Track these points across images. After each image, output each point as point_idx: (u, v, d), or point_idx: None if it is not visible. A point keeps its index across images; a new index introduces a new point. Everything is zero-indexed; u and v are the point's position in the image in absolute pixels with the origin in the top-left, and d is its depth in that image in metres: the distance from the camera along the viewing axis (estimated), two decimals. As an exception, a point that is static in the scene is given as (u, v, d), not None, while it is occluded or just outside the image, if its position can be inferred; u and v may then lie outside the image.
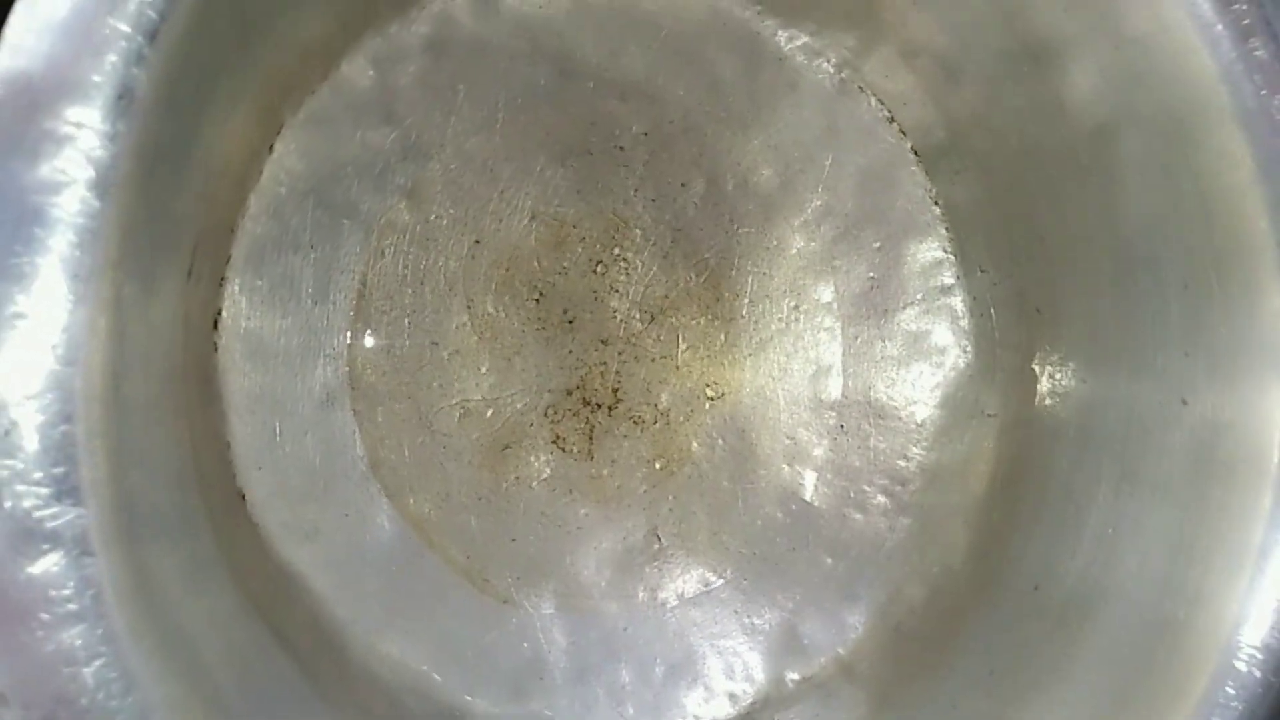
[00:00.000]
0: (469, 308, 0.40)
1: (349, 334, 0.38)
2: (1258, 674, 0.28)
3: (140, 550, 0.22)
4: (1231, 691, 0.28)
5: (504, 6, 0.39)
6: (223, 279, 0.35)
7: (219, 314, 0.35)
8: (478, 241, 0.40)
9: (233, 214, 0.35)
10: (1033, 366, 0.39)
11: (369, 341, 0.39)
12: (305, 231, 0.37)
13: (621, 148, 0.41)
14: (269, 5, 0.30)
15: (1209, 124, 0.29)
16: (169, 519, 0.26)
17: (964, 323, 0.41)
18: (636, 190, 0.41)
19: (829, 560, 0.41)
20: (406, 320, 0.39)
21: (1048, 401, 0.38)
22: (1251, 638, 0.28)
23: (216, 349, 0.35)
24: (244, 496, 0.35)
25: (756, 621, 0.40)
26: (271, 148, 0.35)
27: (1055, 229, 0.37)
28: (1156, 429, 0.33)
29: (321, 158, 0.37)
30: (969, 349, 0.41)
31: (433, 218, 0.40)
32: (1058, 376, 0.38)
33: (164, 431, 0.27)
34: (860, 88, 0.41)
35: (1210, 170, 0.30)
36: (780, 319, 0.42)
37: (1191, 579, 0.30)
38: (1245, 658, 0.28)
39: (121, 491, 0.21)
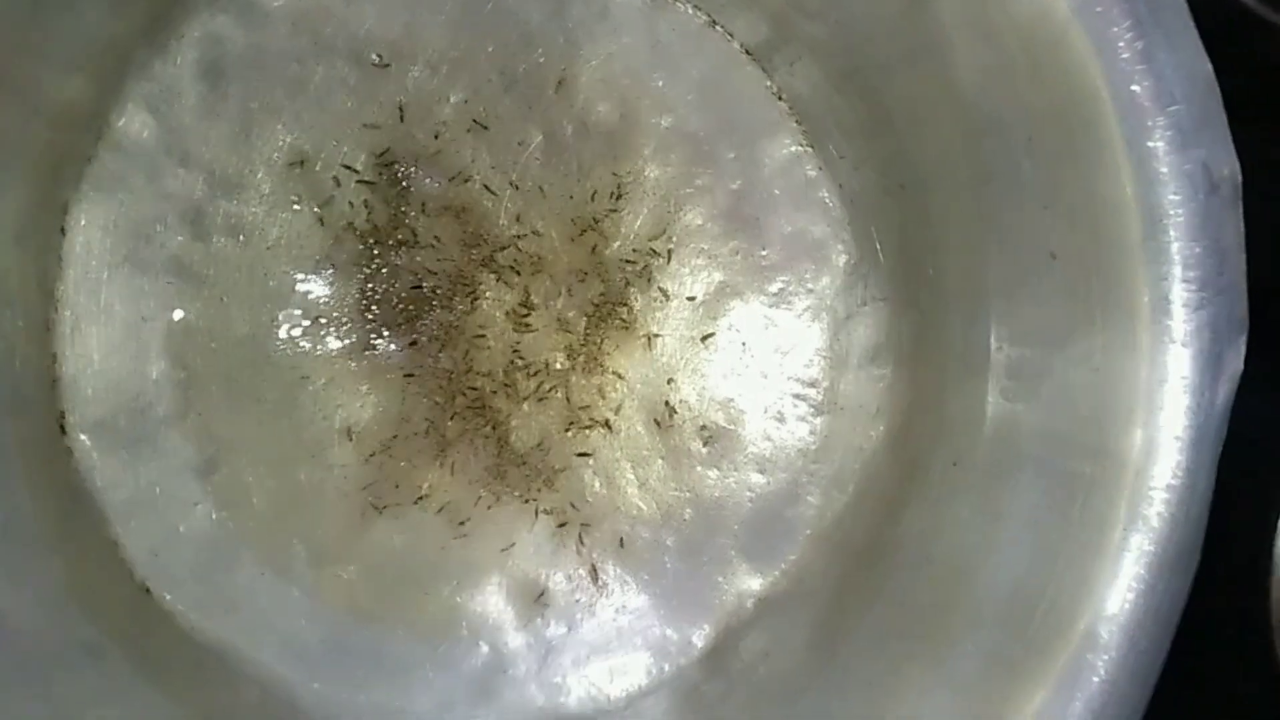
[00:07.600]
0: (337, 335, 0.38)
1: (210, 397, 0.36)
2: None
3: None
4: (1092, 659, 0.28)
5: (271, 7, 0.36)
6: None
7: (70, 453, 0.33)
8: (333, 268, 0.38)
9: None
10: (907, 240, 0.38)
11: (237, 405, 0.37)
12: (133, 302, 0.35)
13: (445, 122, 0.39)
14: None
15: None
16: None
17: (836, 213, 0.40)
18: (473, 160, 0.39)
19: (760, 477, 0.41)
20: (269, 365, 0.38)
21: (930, 272, 0.38)
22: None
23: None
24: (149, 590, 0.34)
25: (704, 558, 0.40)
26: (63, 230, 0.33)
27: (900, 103, 0.36)
28: (1031, 280, 0.32)
29: (124, 223, 0.34)
30: (847, 238, 0.40)
31: (266, 247, 0.37)
32: (930, 251, 0.37)
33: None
34: (672, -1, 0.39)
35: (1028, 19, 0.29)
36: (657, 254, 0.40)
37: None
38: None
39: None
